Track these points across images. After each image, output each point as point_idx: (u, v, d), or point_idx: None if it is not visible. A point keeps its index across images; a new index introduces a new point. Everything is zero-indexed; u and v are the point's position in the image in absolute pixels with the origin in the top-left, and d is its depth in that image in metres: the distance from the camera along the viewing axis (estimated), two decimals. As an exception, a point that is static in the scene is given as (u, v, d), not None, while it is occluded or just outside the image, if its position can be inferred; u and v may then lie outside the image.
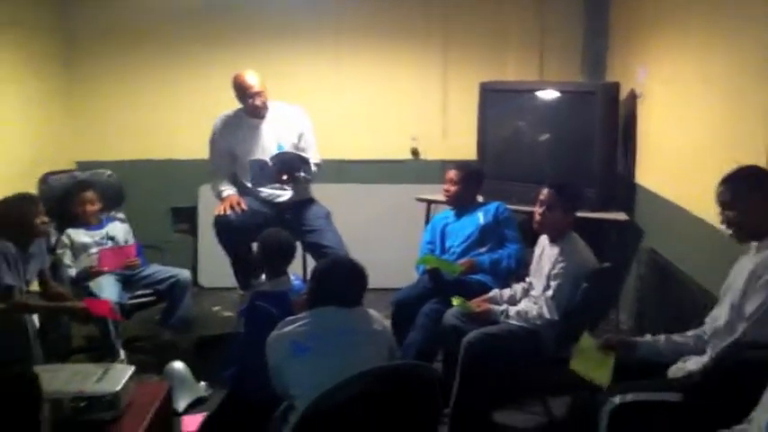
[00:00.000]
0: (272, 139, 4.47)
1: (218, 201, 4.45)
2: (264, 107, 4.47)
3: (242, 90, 4.42)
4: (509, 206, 4.21)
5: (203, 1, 5.68)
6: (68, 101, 5.76)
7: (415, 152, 5.93)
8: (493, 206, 4.17)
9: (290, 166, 4.39)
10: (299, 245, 3.99)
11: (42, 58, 5.41)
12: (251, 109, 4.45)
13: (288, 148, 4.44)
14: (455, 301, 3.66)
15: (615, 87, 4.75)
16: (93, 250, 4.42)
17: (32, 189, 4.53)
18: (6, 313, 3.58)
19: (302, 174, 4.42)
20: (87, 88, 5.84)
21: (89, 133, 5.84)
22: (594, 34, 5.51)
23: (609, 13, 5.41)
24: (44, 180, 4.67)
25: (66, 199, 4.53)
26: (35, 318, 3.75)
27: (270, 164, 4.35)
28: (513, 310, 3.56)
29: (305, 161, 4.42)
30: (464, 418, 3.44)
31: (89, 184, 4.63)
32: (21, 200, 3.84)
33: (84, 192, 4.52)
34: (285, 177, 4.40)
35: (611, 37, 5.40)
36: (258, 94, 4.40)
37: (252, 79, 4.41)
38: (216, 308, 5.41)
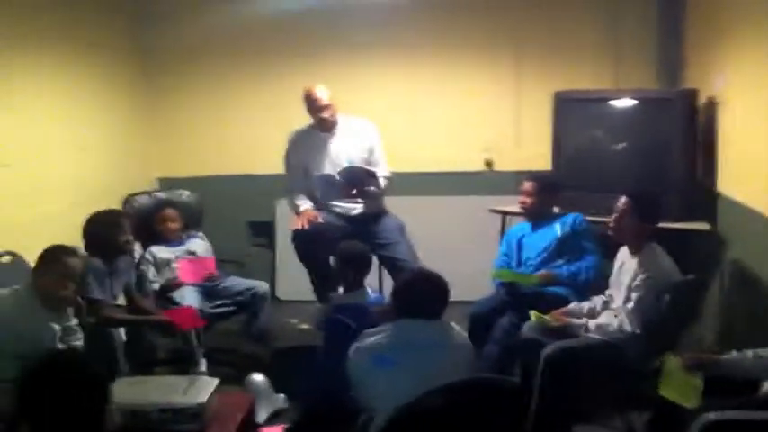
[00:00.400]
0: (341, 154, 4.53)
1: (295, 215, 4.51)
2: (332, 120, 4.53)
3: (310, 103, 4.50)
4: (586, 217, 4.16)
5: (279, 17, 5.76)
6: (148, 120, 5.94)
7: (488, 163, 5.90)
8: (570, 217, 4.12)
9: (357, 180, 4.43)
10: (374, 257, 4.02)
11: (122, 79, 5.60)
12: (318, 122, 4.52)
13: (357, 162, 4.49)
14: (533, 316, 3.63)
15: (693, 94, 4.63)
16: (175, 265, 4.55)
17: (118, 204, 4.71)
18: (94, 326, 3.72)
19: (371, 188, 4.45)
20: (166, 107, 6.02)
21: (169, 150, 6.02)
22: (670, 40, 5.39)
23: (684, 18, 5.29)
24: (127, 200, 4.85)
25: (148, 217, 4.69)
26: (121, 331, 3.87)
27: (337, 178, 4.39)
28: (592, 323, 3.50)
29: (372, 175, 4.45)
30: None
31: (170, 203, 4.78)
32: (107, 218, 3.99)
33: (166, 210, 4.68)
34: (354, 192, 4.43)
35: (686, 43, 5.29)
36: (325, 107, 4.47)
37: (319, 93, 4.48)
38: (293, 320, 5.46)
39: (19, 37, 4.17)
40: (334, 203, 4.56)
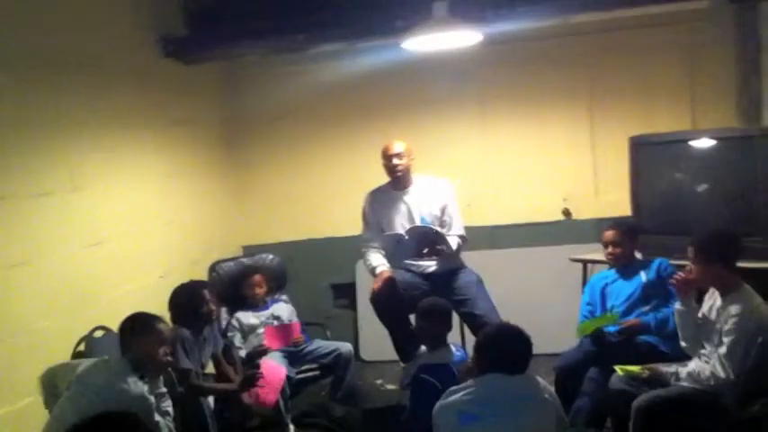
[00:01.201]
0: (414, 212, 4.57)
1: (372, 275, 4.55)
2: (405, 175, 4.58)
3: (384, 153, 4.58)
4: (672, 261, 4.07)
5: (354, 79, 5.91)
6: (232, 190, 6.14)
7: (566, 212, 5.86)
8: (655, 263, 4.05)
9: (425, 239, 4.43)
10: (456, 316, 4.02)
11: (209, 150, 5.81)
12: (391, 173, 4.58)
13: (430, 220, 4.52)
14: (619, 371, 3.54)
15: (775, 130, 4.54)
16: (261, 331, 4.66)
17: (204, 275, 4.85)
18: (185, 395, 3.81)
19: (442, 247, 4.45)
20: (249, 176, 6.22)
21: (254, 217, 6.19)
22: (749, 77, 5.29)
23: (762, 54, 5.20)
24: (213, 268, 5.00)
25: (235, 283, 4.81)
26: (210, 398, 3.96)
27: (406, 237, 4.43)
28: (683, 371, 3.40)
29: (440, 236, 4.44)
30: None
31: (257, 268, 4.90)
32: (191, 288, 4.11)
33: (254, 275, 4.80)
34: (425, 251, 4.45)
35: (765, 79, 5.18)
36: (397, 155, 4.53)
37: (394, 143, 4.56)
38: (378, 381, 5.48)
39: (110, 117, 4.37)
40: (409, 262, 4.58)
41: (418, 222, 4.51)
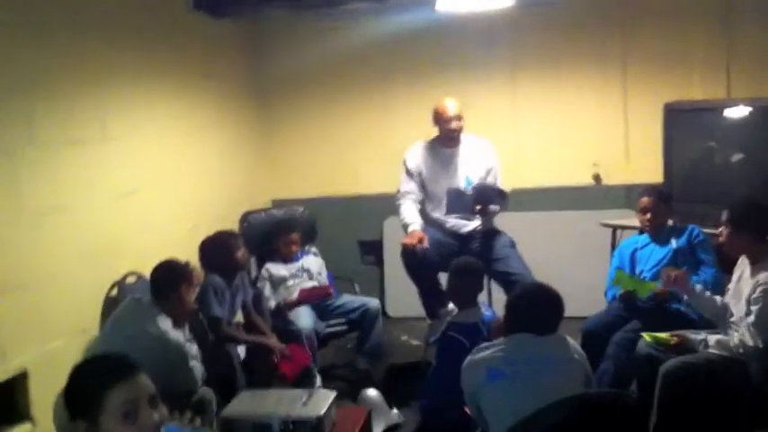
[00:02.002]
0: (461, 171, 4.56)
1: (404, 229, 4.53)
2: (459, 135, 4.57)
3: (440, 115, 4.55)
4: (703, 229, 4.05)
5: (385, 40, 5.88)
6: (263, 144, 6.15)
7: (596, 177, 5.82)
8: (687, 229, 4.02)
9: (486, 197, 4.44)
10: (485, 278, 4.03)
11: (238, 106, 5.81)
12: (447, 134, 4.56)
13: (474, 180, 4.51)
14: (646, 337, 3.55)
15: (811, 100, 4.47)
16: (290, 282, 4.70)
17: (234, 227, 4.89)
18: (215, 343, 3.87)
19: (496, 207, 4.48)
20: (279, 132, 6.22)
21: (282, 173, 6.21)
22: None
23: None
24: (244, 218, 5.04)
25: (266, 234, 4.84)
26: (240, 348, 4.03)
27: (468, 193, 4.43)
28: (712, 338, 3.39)
29: (503, 195, 4.47)
30: None
31: (294, 225, 4.92)
32: (223, 235, 4.17)
33: (292, 233, 4.82)
34: (479, 208, 4.46)
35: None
36: (457, 117, 4.52)
37: (451, 104, 4.54)
38: (404, 337, 5.53)
39: (141, 70, 4.39)
40: (446, 219, 4.59)
41: (462, 181, 4.51)
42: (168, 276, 3.37)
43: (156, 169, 4.54)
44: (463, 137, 4.62)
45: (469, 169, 4.57)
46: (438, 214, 4.61)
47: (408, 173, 4.65)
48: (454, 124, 4.52)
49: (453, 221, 4.60)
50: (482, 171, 4.59)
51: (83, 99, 3.87)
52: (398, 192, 4.68)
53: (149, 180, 4.43)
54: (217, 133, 5.39)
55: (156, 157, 4.54)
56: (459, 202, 4.45)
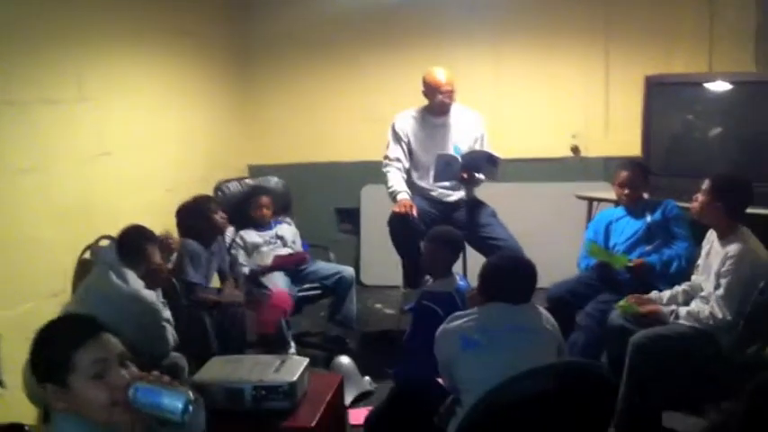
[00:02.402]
0: (450, 140, 4.53)
1: (391, 197, 4.49)
2: (450, 105, 4.53)
3: (434, 86, 4.48)
4: (679, 203, 4.07)
5: (363, 8, 5.83)
6: (241, 109, 6.08)
7: (575, 149, 5.83)
8: (662, 203, 4.04)
9: (475, 165, 4.43)
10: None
11: (216, 69, 5.73)
12: (438, 105, 4.52)
13: (463, 149, 4.49)
14: (621, 304, 3.57)
15: (792, 77, 4.48)
16: (264, 249, 4.67)
17: (210, 191, 4.85)
18: (189, 309, 3.86)
19: (482, 175, 4.47)
20: (258, 94, 6.14)
21: (260, 138, 6.15)
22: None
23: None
24: (219, 187, 5.01)
25: (243, 203, 4.82)
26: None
27: (459, 160, 4.40)
28: (683, 310, 3.43)
29: (494, 162, 4.44)
30: (633, 421, 3.35)
31: (266, 190, 4.90)
32: (201, 200, 4.14)
33: (262, 197, 4.80)
34: (466, 176, 4.44)
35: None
36: (450, 91, 4.48)
37: (445, 77, 4.48)
38: (378, 305, 5.55)
39: (118, 28, 4.32)
40: (432, 188, 4.56)
41: (450, 150, 4.48)
42: (135, 239, 3.35)
43: (132, 131, 4.49)
44: (453, 106, 4.59)
45: (458, 139, 4.54)
46: (424, 183, 4.59)
47: (397, 138, 4.61)
48: (447, 96, 4.48)
49: (439, 190, 4.58)
50: (470, 141, 4.57)
51: (59, 58, 3.82)
52: (385, 158, 4.62)
53: (125, 142, 4.39)
54: (195, 95, 5.33)
55: (133, 119, 4.49)
56: (449, 169, 4.42)
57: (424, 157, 4.55)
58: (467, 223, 4.44)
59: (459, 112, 4.61)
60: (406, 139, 4.59)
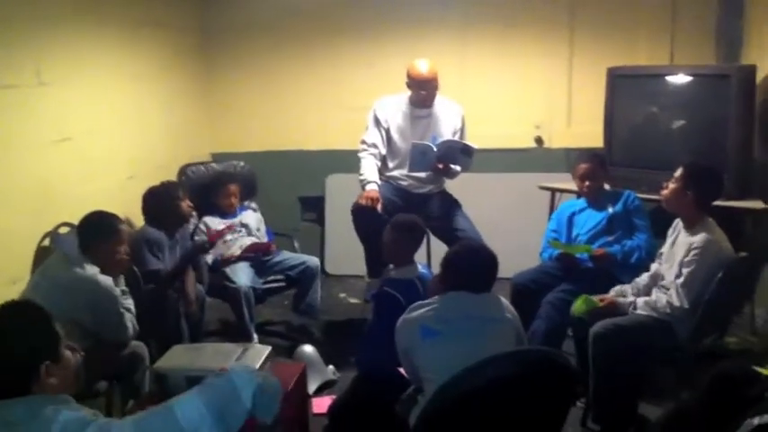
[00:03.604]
0: (429, 131, 4.52)
1: (360, 184, 4.46)
2: (432, 98, 4.51)
3: (417, 79, 4.46)
4: (639, 195, 4.12)
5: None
6: (204, 95, 6.02)
7: (538, 140, 5.87)
8: (623, 195, 4.08)
9: (451, 155, 4.43)
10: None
11: (180, 55, 5.67)
12: (422, 100, 4.51)
13: (440, 141, 4.47)
14: (579, 301, 3.58)
15: (752, 70, 4.53)
16: (228, 237, 4.64)
17: (172, 178, 4.81)
18: (155, 297, 3.81)
19: (457, 167, 4.48)
20: (222, 83, 6.09)
21: (223, 126, 6.10)
22: (729, 16, 5.27)
23: (744, -8, 5.17)
24: (183, 171, 4.96)
25: (209, 189, 4.78)
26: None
27: (434, 150, 4.39)
28: (641, 300, 3.47)
29: (469, 153, 4.44)
30: (608, 411, 3.41)
31: (233, 177, 4.86)
32: (167, 187, 4.10)
33: (230, 184, 4.76)
34: (441, 167, 4.44)
35: (746, 18, 5.16)
36: (436, 86, 4.47)
37: (430, 70, 4.45)
38: (342, 295, 5.55)
39: (80, 13, 4.25)
40: (402, 177, 4.57)
41: (428, 140, 4.46)
42: (95, 227, 3.30)
43: (93, 117, 4.42)
44: (436, 98, 4.57)
45: (438, 131, 4.53)
46: (397, 172, 4.59)
47: (376, 124, 4.57)
48: (430, 90, 4.47)
49: (410, 181, 4.59)
50: (449, 133, 4.56)
51: (16, 43, 3.75)
52: (362, 142, 4.59)
53: (85, 128, 4.32)
54: (157, 82, 5.25)
55: (93, 104, 4.43)
56: (423, 158, 4.41)
57: (402, 146, 4.54)
58: (434, 215, 4.45)
59: (441, 105, 4.60)
60: (386, 126, 4.56)
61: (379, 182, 4.45)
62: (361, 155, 4.56)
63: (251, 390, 1.91)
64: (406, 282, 3.35)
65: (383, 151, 4.57)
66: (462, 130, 4.65)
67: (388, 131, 4.56)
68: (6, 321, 1.87)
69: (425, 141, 4.45)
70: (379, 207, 4.28)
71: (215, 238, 4.39)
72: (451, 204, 4.62)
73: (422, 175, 4.56)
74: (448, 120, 4.59)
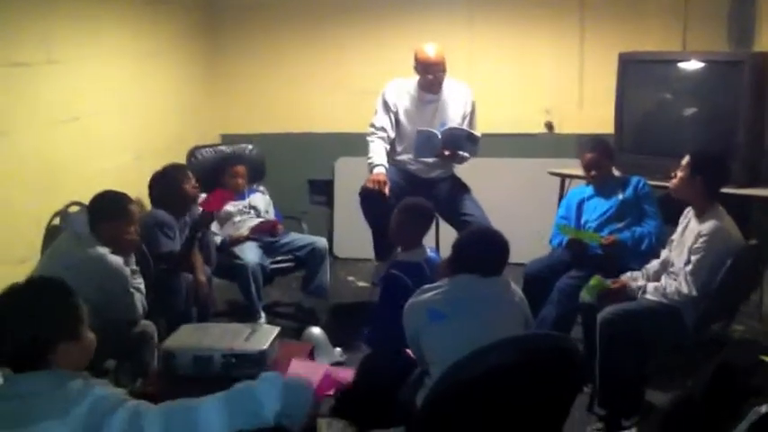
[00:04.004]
0: (437, 116, 4.50)
1: (368, 168, 4.46)
2: (440, 83, 4.49)
3: (425, 64, 4.44)
4: (649, 181, 4.10)
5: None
6: (213, 76, 5.99)
7: (549, 125, 5.84)
8: (633, 181, 4.07)
9: (456, 142, 4.41)
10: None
11: (188, 35, 5.65)
12: (429, 84, 4.49)
13: (450, 125, 4.46)
14: (592, 281, 3.58)
15: (764, 57, 4.50)
16: (237, 219, 4.65)
17: (181, 160, 4.81)
18: (165, 277, 3.82)
19: (465, 153, 4.45)
20: (231, 63, 6.06)
21: (232, 107, 6.07)
22: (742, 2, 5.22)
23: (759, -23, 5.12)
24: (192, 153, 4.97)
25: (216, 171, 4.78)
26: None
27: (439, 136, 4.38)
28: (650, 285, 3.47)
29: (473, 140, 4.43)
30: (615, 397, 3.41)
31: (241, 159, 4.86)
32: (173, 169, 4.10)
33: (238, 165, 4.76)
34: (447, 153, 4.43)
35: (759, 5, 5.11)
36: (440, 68, 4.44)
37: (438, 55, 4.43)
38: (350, 278, 5.55)
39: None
40: (412, 162, 4.56)
41: (436, 126, 4.45)
42: (105, 207, 3.31)
43: (102, 96, 4.43)
44: (444, 81, 4.55)
45: (446, 115, 4.51)
46: (405, 156, 4.58)
47: (386, 108, 4.56)
48: (438, 75, 4.45)
49: (417, 165, 4.58)
50: (458, 117, 4.54)
51: (27, 21, 3.75)
52: (371, 126, 4.58)
53: (94, 107, 4.33)
54: (166, 61, 5.25)
55: (102, 83, 4.43)
56: (429, 144, 4.41)
57: (410, 130, 4.52)
58: (443, 200, 4.45)
59: (449, 88, 4.58)
60: (394, 110, 4.55)
61: (387, 165, 4.44)
62: (369, 138, 4.55)
63: (276, 404, 1.89)
64: (414, 264, 3.34)
65: (392, 135, 4.56)
66: (472, 114, 4.62)
67: (396, 115, 4.55)
68: (32, 296, 1.90)
69: (432, 128, 4.44)
70: (386, 189, 4.28)
71: (211, 208, 4.29)
72: (460, 189, 4.61)
73: (429, 159, 4.54)
74: (456, 105, 4.57)
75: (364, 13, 5.83)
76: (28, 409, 1.76)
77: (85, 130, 4.21)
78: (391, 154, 4.57)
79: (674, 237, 3.63)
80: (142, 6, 4.90)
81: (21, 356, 1.83)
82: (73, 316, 1.89)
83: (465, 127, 4.53)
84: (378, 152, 4.47)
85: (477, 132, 4.55)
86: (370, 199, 4.34)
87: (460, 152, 4.47)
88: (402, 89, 4.58)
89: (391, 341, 3.06)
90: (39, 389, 1.79)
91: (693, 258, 3.34)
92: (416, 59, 4.47)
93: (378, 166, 4.40)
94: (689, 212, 3.57)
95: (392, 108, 4.54)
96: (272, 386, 1.92)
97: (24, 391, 1.79)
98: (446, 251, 3.01)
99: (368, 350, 3.44)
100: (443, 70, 4.46)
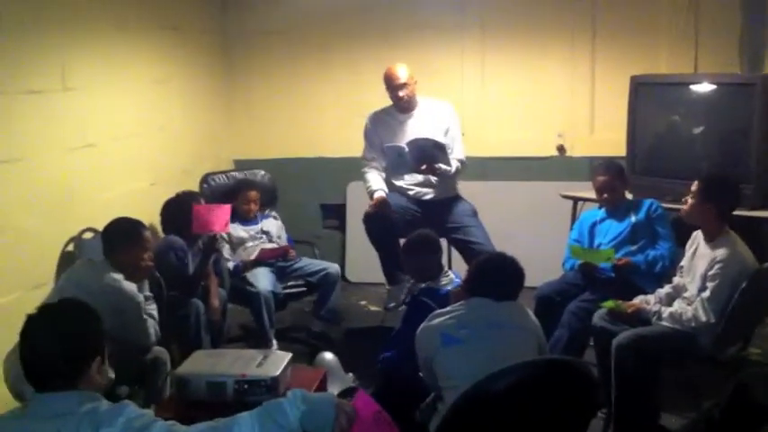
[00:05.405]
0: (414, 133, 4.50)
1: (369, 196, 4.53)
2: (409, 101, 4.53)
3: (389, 83, 4.51)
4: (662, 204, 4.09)
5: (351, 1, 5.82)
6: (226, 102, 6.05)
7: (560, 149, 5.84)
8: (645, 203, 4.05)
9: (426, 153, 4.39)
10: (444, 242, 4.03)
11: (201, 62, 5.71)
12: (396, 101, 4.54)
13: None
14: (608, 303, 3.57)
15: (776, 79, 4.50)
16: (249, 244, 4.67)
17: (194, 186, 4.84)
18: (178, 303, 3.83)
19: (441, 165, 4.42)
20: (243, 88, 6.10)
21: (245, 132, 6.11)
22: (753, 24, 5.22)
23: (768, 1, 5.13)
24: (205, 179, 4.99)
25: (229, 196, 4.80)
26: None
27: (406, 149, 4.39)
28: (666, 311, 3.44)
29: (440, 148, 4.40)
30: (626, 420, 3.38)
31: (254, 184, 4.89)
32: (186, 196, 4.12)
33: (250, 191, 4.79)
34: (424, 167, 4.42)
35: (770, 26, 5.12)
36: (403, 86, 4.47)
37: (398, 71, 4.49)
38: (362, 302, 5.54)
39: (101, 19, 4.30)
40: (406, 186, 4.57)
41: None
42: (120, 234, 3.33)
43: (116, 123, 4.47)
44: (421, 101, 4.60)
45: (425, 132, 4.49)
46: (400, 182, 4.60)
47: (368, 139, 4.64)
48: (400, 93, 4.49)
49: (416, 189, 4.59)
50: (439, 134, 4.52)
51: (43, 49, 3.80)
52: (363, 158, 4.66)
53: (109, 134, 4.37)
54: (179, 88, 5.29)
55: (116, 110, 4.47)
56: (400, 160, 4.43)
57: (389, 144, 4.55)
58: (444, 221, 4.45)
59: (426, 106, 4.62)
60: (378, 138, 4.60)
61: (386, 190, 4.50)
62: (363, 170, 4.63)
63: (298, 411, 1.92)
64: (443, 293, 3.33)
65: (383, 163, 4.61)
66: (454, 128, 4.62)
67: (381, 143, 4.58)
68: (64, 317, 1.96)
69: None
70: (388, 211, 4.32)
71: (214, 228, 4.14)
72: (465, 211, 4.59)
73: (419, 178, 4.54)
74: (434, 121, 4.58)
75: (376, 39, 5.87)
76: (56, 429, 1.81)
77: (100, 157, 4.24)
78: (388, 182, 4.60)
79: (684, 262, 3.61)
80: (156, 33, 4.96)
81: (51, 376, 1.88)
82: (99, 338, 1.97)
83: (449, 141, 4.52)
84: (374, 179, 4.55)
85: (458, 151, 4.57)
86: (374, 223, 4.38)
87: (438, 165, 4.44)
88: (379, 116, 4.65)
89: (407, 366, 3.04)
90: (70, 409, 1.83)
91: (710, 285, 3.32)
92: (385, 79, 4.54)
93: (376, 191, 4.47)
94: (696, 237, 3.55)
95: (375, 139, 4.60)
96: (295, 396, 1.96)
97: (59, 411, 1.83)
98: (456, 266, 3.00)
99: (381, 375, 3.42)
100: (409, 87, 4.49)
